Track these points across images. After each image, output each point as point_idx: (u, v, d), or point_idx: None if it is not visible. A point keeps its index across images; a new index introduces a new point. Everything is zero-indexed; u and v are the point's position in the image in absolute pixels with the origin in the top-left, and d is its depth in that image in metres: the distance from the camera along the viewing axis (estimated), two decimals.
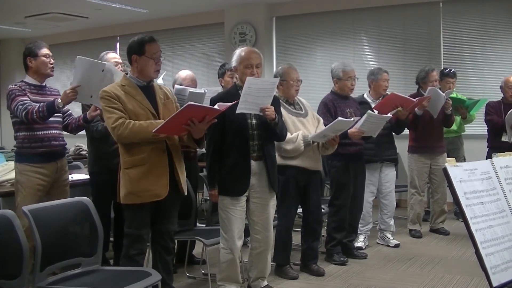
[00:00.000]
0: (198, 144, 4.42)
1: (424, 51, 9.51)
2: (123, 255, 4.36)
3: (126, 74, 4.40)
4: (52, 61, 5.10)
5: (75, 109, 5.47)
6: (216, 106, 4.19)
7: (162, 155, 4.26)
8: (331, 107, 5.96)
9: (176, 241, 5.47)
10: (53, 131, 5.13)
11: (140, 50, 4.28)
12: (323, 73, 9.81)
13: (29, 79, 5.10)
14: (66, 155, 7.27)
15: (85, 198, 4.20)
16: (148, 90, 4.37)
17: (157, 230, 4.45)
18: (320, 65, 10.34)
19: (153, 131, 4.05)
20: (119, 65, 5.45)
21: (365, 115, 5.60)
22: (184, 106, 4.02)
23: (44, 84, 5.18)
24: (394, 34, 9.82)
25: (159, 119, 4.26)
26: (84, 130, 5.43)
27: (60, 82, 11.83)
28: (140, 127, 4.12)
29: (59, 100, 4.81)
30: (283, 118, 5.07)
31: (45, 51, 5.07)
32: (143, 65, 4.29)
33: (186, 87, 5.48)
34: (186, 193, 4.52)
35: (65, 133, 5.36)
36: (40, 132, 5.03)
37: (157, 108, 4.32)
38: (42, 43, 5.11)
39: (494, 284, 2.05)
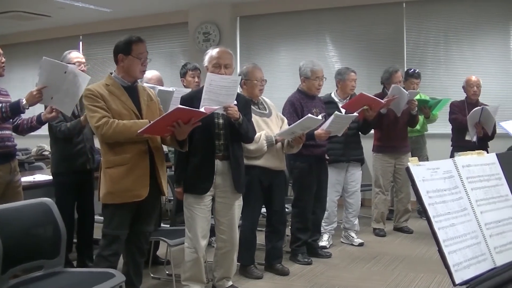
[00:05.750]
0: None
1: (388, 51, 9.59)
2: (98, 254, 4.36)
3: (111, 73, 4.36)
4: (3, 59, 4.90)
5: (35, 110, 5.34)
6: (202, 109, 4.21)
7: (144, 156, 4.26)
8: (298, 107, 5.95)
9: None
10: (6, 132, 4.95)
11: (126, 50, 4.27)
12: (287, 73, 9.87)
13: None
14: (28, 155, 7.16)
15: (48, 199, 4.14)
16: (132, 90, 4.35)
17: (133, 230, 4.41)
18: (284, 65, 10.36)
19: (138, 131, 4.06)
20: (82, 65, 5.38)
21: (332, 116, 5.60)
22: (173, 109, 4.06)
23: None
24: (358, 34, 9.88)
25: (142, 119, 4.25)
26: (47, 131, 5.36)
27: (23, 82, 11.73)
28: (124, 127, 4.12)
29: (24, 101, 4.71)
30: None
31: None
32: (129, 64, 4.28)
33: (155, 86, 5.45)
34: (166, 195, 4.55)
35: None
36: None
37: (140, 109, 4.31)
38: None
39: (457, 281, 2.07)
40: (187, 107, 4.15)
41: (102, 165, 4.32)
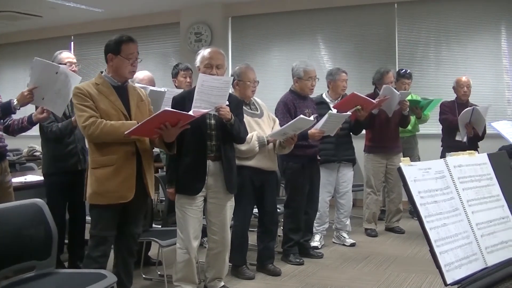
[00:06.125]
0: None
1: (380, 52, 9.62)
2: (86, 256, 4.35)
3: (102, 72, 4.34)
4: None
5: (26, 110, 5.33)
6: (191, 112, 4.19)
7: (131, 157, 4.23)
8: (291, 107, 5.95)
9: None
10: None
11: (116, 50, 4.23)
12: (279, 74, 9.87)
13: None
14: (19, 156, 7.11)
15: (39, 200, 4.12)
16: (122, 90, 4.33)
17: (122, 232, 4.40)
18: (276, 66, 10.38)
19: (125, 133, 4.04)
20: (73, 65, 5.37)
21: (326, 115, 5.61)
22: (159, 111, 4.04)
23: None
24: (350, 35, 9.91)
25: (131, 120, 4.23)
26: (38, 131, 5.34)
27: (14, 83, 11.70)
28: (111, 128, 4.10)
29: (15, 102, 4.69)
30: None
31: None
32: (118, 64, 4.25)
33: (146, 86, 5.43)
34: (152, 197, 4.51)
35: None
36: None
37: (129, 110, 4.29)
38: None
39: (448, 281, 2.07)
40: (174, 110, 4.14)
41: (89, 165, 4.31)
